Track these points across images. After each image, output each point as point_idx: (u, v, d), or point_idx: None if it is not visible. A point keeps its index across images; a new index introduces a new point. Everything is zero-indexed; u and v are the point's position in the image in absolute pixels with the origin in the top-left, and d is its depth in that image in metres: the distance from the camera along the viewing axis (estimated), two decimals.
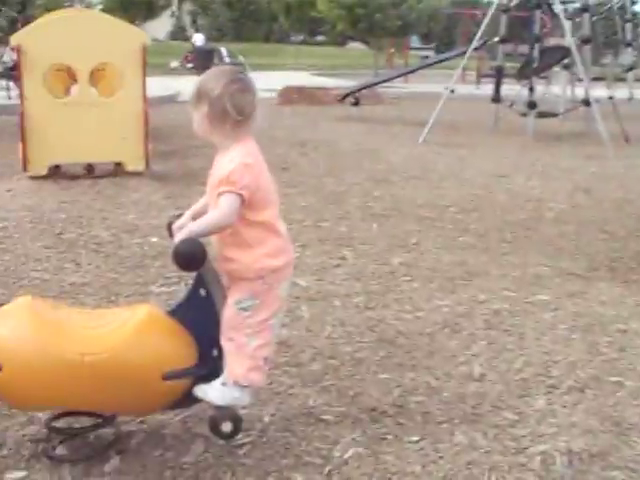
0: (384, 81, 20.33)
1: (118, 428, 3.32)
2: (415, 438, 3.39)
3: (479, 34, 14.84)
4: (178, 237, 2.99)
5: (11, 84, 18.73)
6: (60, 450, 3.23)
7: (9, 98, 18.50)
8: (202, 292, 3.13)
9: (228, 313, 3.09)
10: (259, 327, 3.09)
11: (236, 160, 2.97)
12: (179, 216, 3.29)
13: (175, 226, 3.24)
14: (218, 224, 2.98)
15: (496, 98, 15.15)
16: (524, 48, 20.63)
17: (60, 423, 3.33)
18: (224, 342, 3.11)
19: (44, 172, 8.88)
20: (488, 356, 4.28)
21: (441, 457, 3.24)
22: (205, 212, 3.20)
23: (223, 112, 2.99)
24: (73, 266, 5.72)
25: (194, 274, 3.13)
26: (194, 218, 3.23)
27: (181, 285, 5.24)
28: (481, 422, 3.55)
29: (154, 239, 6.43)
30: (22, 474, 3.07)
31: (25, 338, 2.96)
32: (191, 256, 2.91)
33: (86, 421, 3.33)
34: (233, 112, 2.99)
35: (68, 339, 2.95)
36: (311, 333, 4.54)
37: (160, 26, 60.33)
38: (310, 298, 5.11)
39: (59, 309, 3.27)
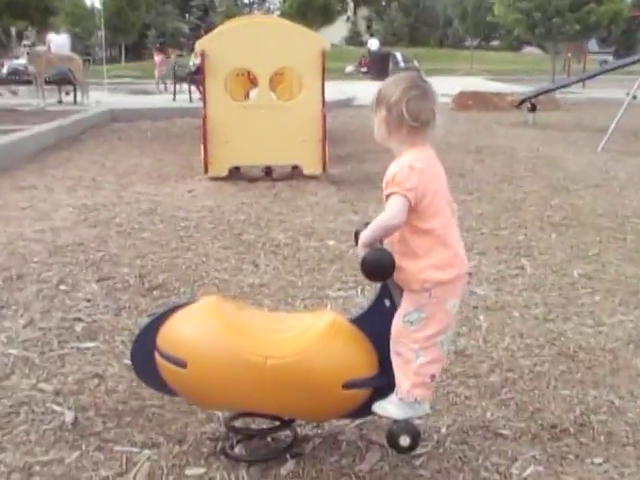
0: (562, 87, 19.83)
1: (295, 432, 3.32)
2: (598, 460, 3.24)
3: None
4: (359, 247, 2.96)
5: (193, 88, 19.39)
6: (238, 450, 3.26)
7: (190, 101, 19.13)
8: (387, 302, 3.08)
9: (396, 326, 3.03)
10: (426, 343, 3.00)
11: (403, 163, 2.92)
12: (367, 224, 3.25)
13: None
14: (385, 226, 2.93)
15: None
16: None
17: (239, 423, 3.37)
18: (392, 356, 3.06)
19: (224, 174, 9.11)
20: None
21: None
22: None
23: (399, 117, 2.95)
24: (252, 267, 5.81)
25: (377, 283, 3.10)
26: None
27: (358, 290, 5.25)
28: None
29: (331, 242, 6.46)
30: (201, 470, 3.11)
31: (210, 338, 3.00)
32: (380, 266, 2.87)
33: (264, 423, 3.35)
34: (409, 118, 2.94)
35: (252, 341, 2.97)
36: (489, 344, 4.44)
37: (336, 31, 61.10)
38: (488, 308, 5.00)
39: (243, 310, 3.30)
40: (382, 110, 3.00)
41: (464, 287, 3.12)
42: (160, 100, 20.66)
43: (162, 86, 24.48)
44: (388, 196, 2.91)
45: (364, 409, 3.14)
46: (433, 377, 3.08)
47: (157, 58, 25.74)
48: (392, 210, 2.90)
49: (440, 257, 2.97)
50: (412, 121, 2.95)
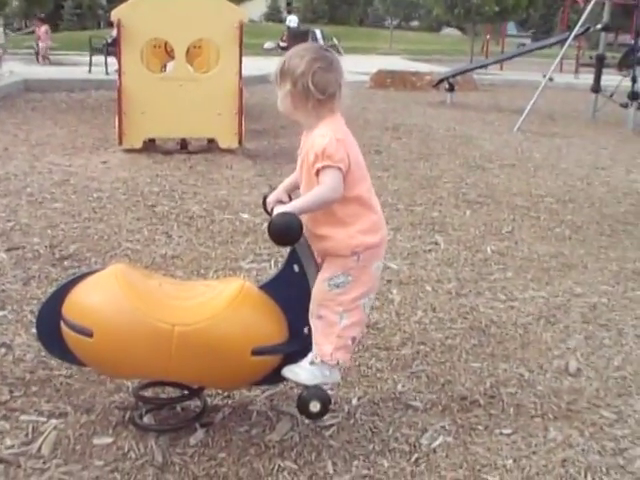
0: (479, 67, 20.08)
1: (205, 401, 3.29)
2: (507, 431, 3.29)
3: (581, 21, 14.50)
4: (277, 210, 2.93)
5: (109, 60, 19.08)
6: (147, 419, 3.23)
7: (106, 73, 18.83)
8: (295, 268, 3.06)
9: (319, 290, 3.01)
10: (350, 305, 3.00)
11: (328, 134, 2.88)
12: (273, 189, 3.26)
13: (270, 199, 3.21)
14: (325, 199, 2.88)
15: (596, 88, 14.80)
16: (625, 37, 20.12)
17: (148, 392, 3.34)
18: (313, 320, 3.04)
19: (139, 146, 8.99)
20: (585, 351, 4.14)
21: (534, 452, 3.13)
22: (298, 186, 3.16)
23: (305, 90, 2.91)
24: (165, 238, 5.75)
25: (287, 250, 3.08)
26: (288, 192, 3.21)
27: (271, 262, 5.24)
28: (577, 419, 3.42)
29: (245, 215, 6.43)
30: (109, 440, 3.08)
31: (116, 306, 2.94)
32: (287, 230, 2.83)
33: (173, 392, 3.33)
34: (315, 91, 2.91)
35: (159, 309, 2.92)
36: (401, 317, 4.47)
37: (255, 7, 60.71)
38: (401, 282, 5.03)
39: (151, 278, 3.25)
40: (287, 83, 2.94)
41: (385, 248, 3.13)
42: (76, 72, 20.26)
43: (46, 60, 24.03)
44: (320, 170, 2.86)
45: (274, 376, 3.13)
46: (354, 339, 3.09)
47: (42, 29, 25.20)
48: (330, 183, 2.86)
49: (368, 222, 2.99)
50: (319, 94, 2.91)
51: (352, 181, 2.93)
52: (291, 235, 2.86)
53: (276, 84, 3.00)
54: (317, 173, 2.88)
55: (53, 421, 3.19)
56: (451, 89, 16.82)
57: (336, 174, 2.85)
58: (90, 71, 19.92)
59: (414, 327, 4.34)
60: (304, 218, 2.97)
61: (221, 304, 2.97)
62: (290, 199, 3.15)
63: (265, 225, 5.86)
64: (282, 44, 38.57)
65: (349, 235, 2.95)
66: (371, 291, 3.09)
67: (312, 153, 2.88)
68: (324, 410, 3.08)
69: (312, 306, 3.04)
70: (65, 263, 5.12)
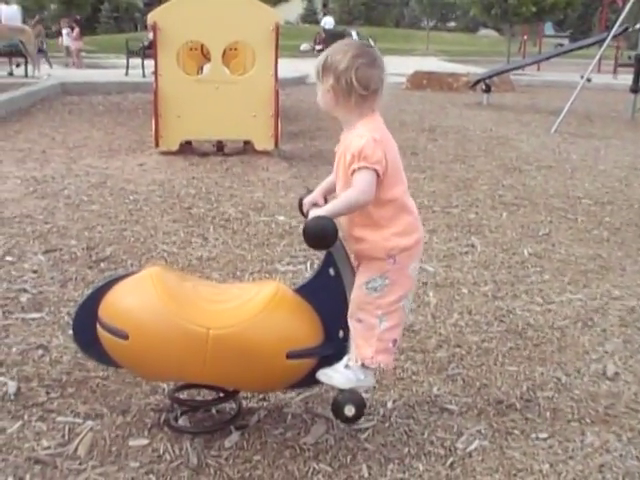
0: (516, 68, 19.97)
1: (240, 404, 3.30)
2: (543, 435, 3.26)
3: (620, 20, 14.37)
4: (312, 214, 2.93)
5: (146, 63, 19.21)
6: (182, 421, 3.24)
7: (143, 76, 18.94)
8: (331, 271, 3.05)
9: (357, 294, 3.01)
10: (389, 308, 2.99)
11: (366, 135, 2.85)
12: (310, 192, 3.25)
13: (306, 201, 3.21)
14: (357, 202, 2.87)
15: (635, 88, 14.64)
16: None
17: (183, 395, 3.36)
18: (352, 323, 3.03)
19: (175, 148, 9.04)
20: (623, 355, 4.09)
21: (571, 457, 3.10)
22: (334, 188, 3.16)
23: (348, 86, 2.90)
24: (201, 241, 5.77)
25: (323, 254, 3.07)
26: (324, 194, 3.20)
27: (307, 264, 5.24)
28: (615, 424, 3.38)
29: (281, 218, 6.44)
30: (145, 442, 3.09)
31: (152, 308, 2.94)
32: (322, 233, 2.83)
33: (208, 395, 3.34)
34: (358, 86, 2.90)
35: (194, 312, 2.93)
36: (437, 320, 4.45)
37: (291, 9, 60.89)
38: (437, 284, 5.01)
39: (186, 281, 3.26)
40: (329, 79, 2.93)
41: (422, 249, 3.12)
42: (113, 74, 20.42)
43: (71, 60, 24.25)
44: (355, 170, 2.84)
45: (309, 379, 3.12)
46: (395, 342, 3.07)
47: (75, 31, 25.39)
48: (363, 185, 2.84)
49: (403, 224, 2.97)
50: (362, 90, 2.90)
51: (388, 183, 2.91)
52: (326, 239, 2.86)
53: (317, 79, 3.00)
54: (352, 174, 2.87)
55: (89, 422, 3.21)
56: (488, 90, 16.75)
57: (370, 176, 2.83)
58: (127, 74, 20.09)
59: (450, 330, 4.32)
60: (342, 220, 2.99)
61: (256, 307, 2.97)
62: (326, 202, 3.14)
63: (301, 228, 5.91)
64: (317, 47, 38.61)
65: (384, 238, 2.94)
66: (409, 292, 3.08)
67: (349, 153, 2.87)
68: (359, 414, 3.07)
69: (351, 309, 3.03)
70: (102, 265, 5.15)
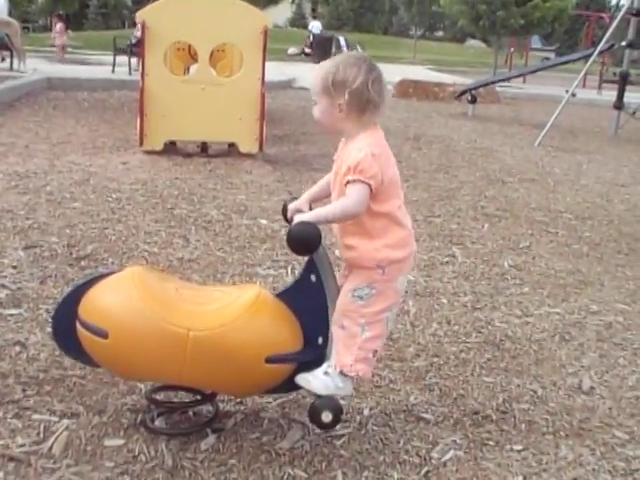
0: (502, 80, 20.03)
1: (217, 407, 3.30)
2: (518, 447, 3.28)
3: (606, 37, 14.47)
4: (298, 219, 2.94)
5: (133, 61, 19.17)
6: (158, 422, 3.24)
7: (129, 74, 18.91)
8: (312, 278, 3.06)
9: (343, 300, 3.03)
10: (373, 318, 3.02)
11: (365, 149, 2.87)
12: (294, 199, 3.26)
13: (291, 207, 3.22)
14: (346, 212, 2.90)
15: (618, 105, 14.75)
16: None
17: (160, 396, 3.36)
18: (335, 329, 3.05)
19: (159, 148, 9.02)
20: (599, 369, 4.12)
21: (544, 470, 3.12)
22: (320, 197, 3.20)
23: (364, 100, 2.91)
24: (182, 242, 5.76)
25: (305, 259, 3.08)
26: (310, 202, 3.21)
27: (288, 269, 5.25)
28: (589, 438, 3.41)
29: (263, 221, 6.44)
30: (120, 442, 3.08)
31: (133, 308, 2.94)
32: (306, 239, 2.86)
33: (185, 396, 3.34)
34: (376, 100, 2.93)
35: (175, 313, 2.93)
36: (417, 329, 4.47)
37: (280, 12, 60.85)
38: (417, 293, 5.03)
39: (168, 282, 3.26)
40: (343, 94, 2.91)
41: (411, 264, 3.14)
42: (99, 71, 20.34)
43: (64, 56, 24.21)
44: (349, 182, 2.87)
45: (287, 385, 3.13)
46: (375, 352, 3.09)
47: (58, 26, 25.30)
48: (354, 198, 2.87)
49: (395, 237, 2.99)
50: (376, 103, 2.94)
51: (384, 197, 2.94)
52: (309, 245, 2.88)
53: (321, 95, 2.96)
54: (346, 184, 2.89)
55: (65, 421, 3.20)
56: (473, 101, 16.82)
57: (363, 190, 2.86)
58: (113, 71, 20.00)
59: (429, 339, 4.34)
60: (335, 228, 3.04)
61: (237, 311, 2.98)
62: (310, 209, 3.15)
63: (283, 232, 5.92)
64: (307, 50, 38.63)
65: (375, 248, 2.97)
66: (394, 305, 3.11)
67: (345, 165, 2.90)
68: (336, 420, 3.08)
69: (336, 315, 3.06)
70: (82, 263, 5.14)
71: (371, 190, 2.87)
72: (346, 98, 2.91)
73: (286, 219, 3.23)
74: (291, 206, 3.22)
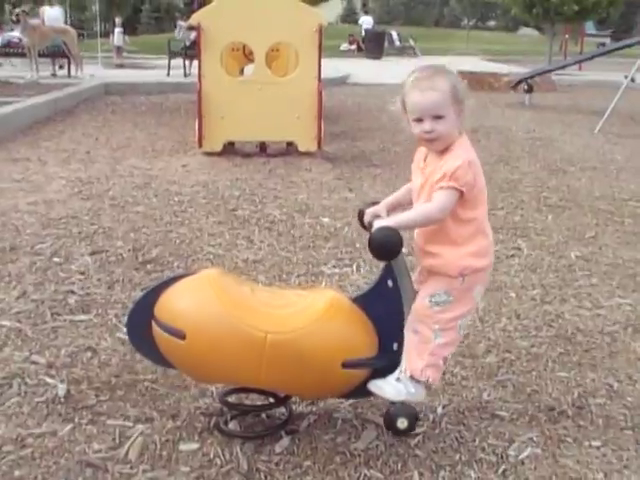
0: (559, 68, 19.74)
1: (290, 408, 3.29)
2: (597, 443, 3.22)
3: None
4: (378, 224, 2.94)
5: (187, 63, 19.27)
6: (232, 425, 3.23)
7: (185, 76, 19.03)
8: (390, 283, 3.06)
9: (419, 305, 3.04)
10: (447, 325, 3.02)
11: (462, 157, 2.89)
12: (372, 204, 3.25)
13: (369, 211, 3.20)
14: (429, 218, 2.92)
15: None
16: None
17: (233, 399, 3.35)
18: (408, 333, 3.06)
19: (219, 149, 9.05)
20: None
21: (626, 467, 3.05)
22: (399, 205, 3.21)
23: (464, 111, 2.96)
24: (246, 243, 5.77)
25: (378, 261, 3.07)
26: (389, 209, 3.20)
27: (353, 267, 5.23)
28: None
29: (326, 219, 6.43)
30: (195, 446, 3.09)
31: (210, 310, 2.95)
32: (389, 245, 2.86)
33: (258, 399, 3.33)
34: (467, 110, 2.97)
35: (252, 315, 2.93)
36: (486, 324, 4.41)
37: (331, 9, 60.87)
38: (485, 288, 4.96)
39: (243, 284, 3.26)
40: (461, 108, 2.95)
41: (489, 273, 3.13)
42: (154, 75, 20.51)
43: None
44: (442, 188, 2.87)
45: (361, 390, 3.13)
46: (445, 360, 3.11)
47: (117, 30, 25.75)
48: (443, 203, 2.87)
49: (479, 245, 3.00)
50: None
51: (473, 204, 2.95)
52: (392, 250, 2.89)
53: (450, 107, 2.93)
54: (437, 190, 2.89)
55: (139, 426, 3.22)
56: (529, 90, 16.62)
57: (452, 196, 2.87)
58: (169, 74, 20.14)
59: (499, 334, 4.28)
60: (415, 234, 3.05)
61: (314, 315, 2.97)
62: (388, 216, 3.14)
63: (346, 230, 5.91)
64: (351, 47, 38.59)
65: (459, 256, 2.96)
66: (468, 313, 3.11)
67: (440, 172, 2.89)
68: (411, 426, 3.11)
69: (410, 319, 3.06)
70: (148, 267, 5.17)
71: (462, 196, 2.87)
72: (463, 112, 2.96)
73: (363, 225, 3.23)
74: (369, 211, 3.21)
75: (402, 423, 3.07)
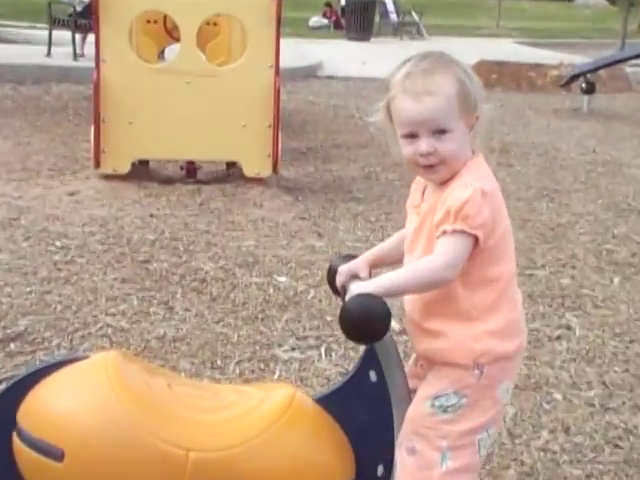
0: (634, 57, 19.96)
1: None
2: None
3: None
4: (356, 288, 2.86)
5: (78, 38, 19.13)
6: None
7: (75, 58, 18.88)
8: (372, 376, 3.02)
9: (417, 412, 2.96)
10: (460, 441, 2.92)
11: (473, 185, 2.81)
12: (346, 258, 3.21)
13: (342, 270, 3.14)
14: (432, 278, 2.81)
15: None
16: None
17: None
18: (401, 454, 2.98)
19: (125, 170, 9.03)
20: None
21: None
22: (387, 261, 3.20)
23: (478, 120, 2.96)
24: (163, 311, 5.81)
25: (362, 348, 3.04)
26: (371, 265, 3.17)
27: (321, 350, 5.26)
28: None
29: (282, 279, 6.48)
30: None
31: (104, 416, 2.91)
32: (369, 320, 2.76)
33: None
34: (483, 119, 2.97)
35: (168, 424, 2.91)
36: (518, 440, 4.42)
37: None
38: (516, 385, 4.95)
39: (157, 375, 3.24)
40: (472, 114, 2.93)
41: (521, 363, 3.09)
42: (28, 53, 20.39)
43: None
44: (446, 233, 2.77)
45: None
46: None
47: None
48: (452, 256, 2.77)
49: (503, 319, 2.91)
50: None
51: (492, 256, 2.87)
52: (374, 328, 2.79)
53: (459, 119, 2.90)
54: (440, 236, 2.80)
55: None
56: (590, 90, 16.78)
57: (463, 245, 2.77)
58: (49, 53, 20.01)
59: (537, 456, 4.31)
60: (408, 304, 2.97)
61: (260, 423, 2.95)
62: (370, 276, 3.10)
63: (313, 295, 5.95)
64: (325, 21, 38.85)
65: (473, 335, 2.88)
66: (493, 424, 3.00)
67: (443, 209, 2.80)
68: None
69: (403, 433, 2.99)
70: (12, 346, 5.17)
71: (476, 244, 2.78)
72: (476, 118, 2.94)
73: (334, 289, 3.19)
74: (342, 269, 3.14)
75: None
